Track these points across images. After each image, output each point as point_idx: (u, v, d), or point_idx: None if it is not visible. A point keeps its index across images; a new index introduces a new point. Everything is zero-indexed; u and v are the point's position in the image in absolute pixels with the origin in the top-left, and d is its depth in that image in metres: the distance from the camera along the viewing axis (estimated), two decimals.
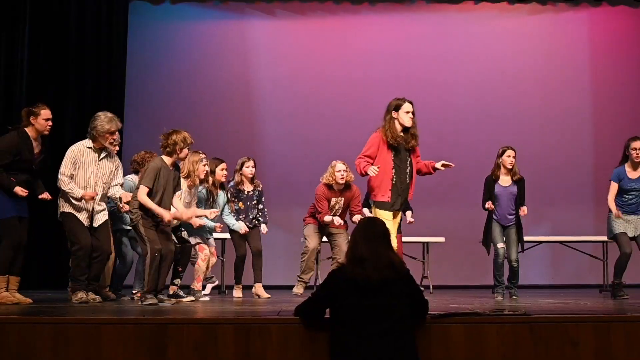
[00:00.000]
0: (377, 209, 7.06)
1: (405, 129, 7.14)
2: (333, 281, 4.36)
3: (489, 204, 8.07)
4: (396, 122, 7.13)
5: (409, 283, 4.33)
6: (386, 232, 4.43)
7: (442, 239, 10.21)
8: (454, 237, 10.57)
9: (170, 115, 10.78)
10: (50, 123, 6.78)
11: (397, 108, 7.18)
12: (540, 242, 10.43)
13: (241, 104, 11.65)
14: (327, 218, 8.33)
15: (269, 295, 8.10)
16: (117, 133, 6.90)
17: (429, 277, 9.96)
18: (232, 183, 8.38)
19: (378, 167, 6.95)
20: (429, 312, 4.60)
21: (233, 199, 8.30)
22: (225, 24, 11.85)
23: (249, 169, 8.34)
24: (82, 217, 6.84)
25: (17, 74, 10.58)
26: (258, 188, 8.47)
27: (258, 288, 8.26)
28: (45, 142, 6.92)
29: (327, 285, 4.42)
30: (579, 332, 4.65)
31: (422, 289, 7.94)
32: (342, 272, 4.32)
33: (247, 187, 8.39)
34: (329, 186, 8.41)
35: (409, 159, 7.18)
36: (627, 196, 7.93)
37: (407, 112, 7.14)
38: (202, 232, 7.85)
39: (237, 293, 8.29)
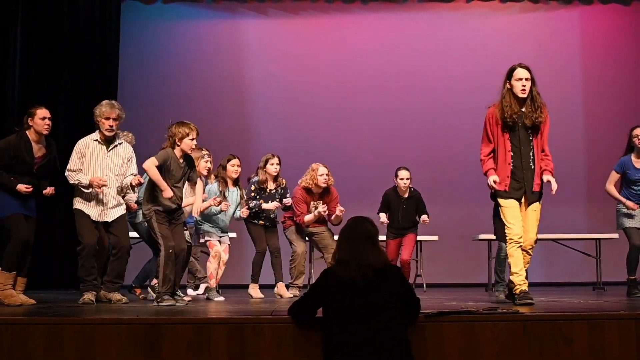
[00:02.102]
0: (498, 199, 6.13)
1: (525, 101, 6.02)
2: (323, 282, 4.38)
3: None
4: (512, 93, 6.03)
5: (398, 282, 4.33)
6: (370, 233, 4.37)
7: (435, 237, 10.23)
8: (447, 235, 10.59)
9: (163, 114, 10.64)
10: (47, 122, 6.66)
11: (509, 75, 6.05)
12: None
13: (234, 103, 11.65)
14: (308, 217, 8.14)
15: (291, 295, 7.88)
16: (112, 120, 6.74)
17: (422, 276, 9.98)
18: (255, 179, 8.20)
19: (497, 179, 6.01)
20: (422, 311, 4.60)
21: (255, 195, 8.09)
22: (217, 24, 11.84)
23: (273, 167, 8.13)
24: (93, 212, 6.74)
25: (9, 74, 10.55)
26: (281, 186, 8.25)
27: (280, 288, 8.05)
28: (51, 145, 6.82)
29: (318, 286, 4.44)
30: (573, 330, 4.65)
31: (413, 287, 8.04)
32: (331, 273, 4.34)
33: (270, 186, 8.19)
34: (307, 190, 8.20)
35: (532, 140, 6.10)
36: (635, 187, 7.76)
37: (519, 80, 5.99)
38: (215, 230, 7.86)
39: (255, 292, 7.99)
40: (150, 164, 6.31)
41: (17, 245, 6.54)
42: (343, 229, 4.49)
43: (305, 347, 4.53)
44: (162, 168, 6.36)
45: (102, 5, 11.13)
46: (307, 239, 8.47)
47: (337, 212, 8.15)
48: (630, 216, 7.79)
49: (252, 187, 8.16)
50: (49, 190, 6.78)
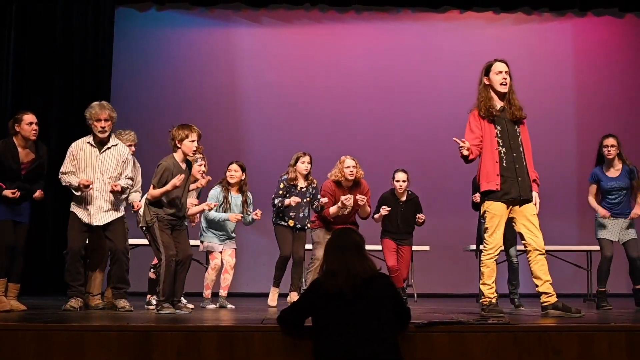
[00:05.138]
0: (486, 202, 5.77)
1: (505, 96, 5.85)
2: (312, 292, 4.38)
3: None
4: (490, 89, 5.90)
5: (387, 290, 4.32)
6: (357, 242, 4.36)
7: (426, 248, 10.23)
8: (439, 245, 10.59)
9: (157, 121, 10.74)
10: (34, 127, 6.61)
11: (487, 71, 5.98)
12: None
13: (227, 111, 11.65)
14: (333, 209, 7.85)
15: None
16: (104, 121, 6.66)
17: (413, 286, 9.97)
18: (284, 177, 8.00)
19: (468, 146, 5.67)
20: (413, 321, 4.60)
21: (284, 193, 7.89)
22: (211, 31, 11.85)
23: (303, 165, 7.95)
24: (84, 215, 6.69)
25: (1, 80, 10.54)
26: (312, 185, 8.04)
27: (294, 297, 7.75)
28: (40, 150, 6.77)
29: (306, 296, 4.46)
30: (562, 341, 4.66)
31: (405, 297, 8.02)
32: (320, 283, 4.33)
33: (301, 184, 7.99)
34: (337, 183, 7.98)
35: (519, 134, 5.79)
36: (610, 197, 7.71)
37: (499, 73, 5.90)
38: (218, 237, 7.71)
39: (273, 299, 7.84)
40: (153, 192, 6.27)
41: (2, 251, 6.53)
42: (329, 239, 4.50)
43: (295, 355, 4.52)
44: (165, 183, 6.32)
45: (95, 12, 11.13)
46: None
47: (359, 202, 7.87)
48: (604, 227, 7.73)
49: (281, 185, 7.96)
50: (38, 194, 6.74)
